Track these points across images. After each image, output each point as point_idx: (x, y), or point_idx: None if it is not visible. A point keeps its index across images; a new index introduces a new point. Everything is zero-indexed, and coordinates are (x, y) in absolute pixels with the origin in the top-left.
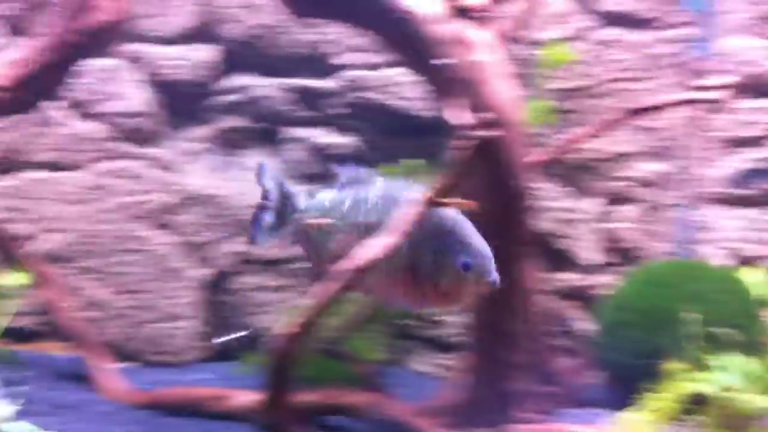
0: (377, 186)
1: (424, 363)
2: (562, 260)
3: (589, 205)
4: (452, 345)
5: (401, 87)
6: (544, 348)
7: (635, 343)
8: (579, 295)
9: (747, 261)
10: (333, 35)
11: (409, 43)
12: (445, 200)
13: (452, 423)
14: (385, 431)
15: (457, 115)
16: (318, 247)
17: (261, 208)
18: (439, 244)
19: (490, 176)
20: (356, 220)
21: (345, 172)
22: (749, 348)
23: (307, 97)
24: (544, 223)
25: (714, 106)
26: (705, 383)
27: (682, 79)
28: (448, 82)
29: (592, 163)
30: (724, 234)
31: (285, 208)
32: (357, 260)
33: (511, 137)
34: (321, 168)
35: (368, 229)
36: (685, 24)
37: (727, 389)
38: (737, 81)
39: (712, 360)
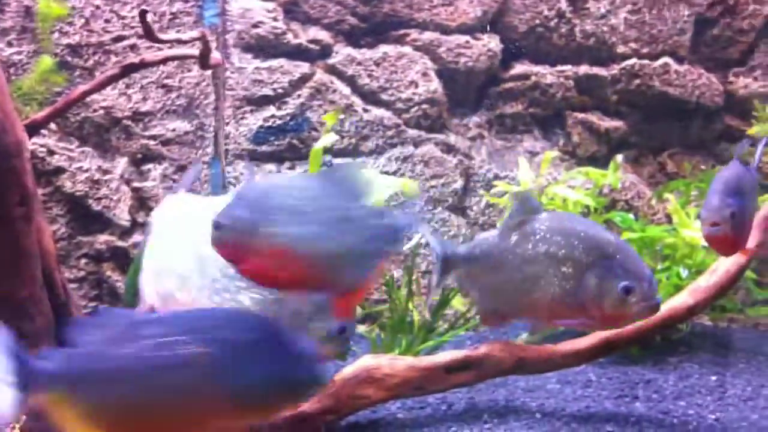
0: None
1: None
2: (99, 222)
3: (118, 165)
4: None
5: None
6: (73, 311)
7: None
8: (118, 256)
9: None
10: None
11: None
12: None
13: None
14: None
15: None
16: None
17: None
18: (602, 269)
19: None
20: None
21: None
22: None
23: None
24: (76, 186)
25: (214, 64)
26: None
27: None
28: None
29: (115, 123)
30: None
31: None
32: None
33: None
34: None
35: None
36: None
37: None
38: (202, 35)
39: None
